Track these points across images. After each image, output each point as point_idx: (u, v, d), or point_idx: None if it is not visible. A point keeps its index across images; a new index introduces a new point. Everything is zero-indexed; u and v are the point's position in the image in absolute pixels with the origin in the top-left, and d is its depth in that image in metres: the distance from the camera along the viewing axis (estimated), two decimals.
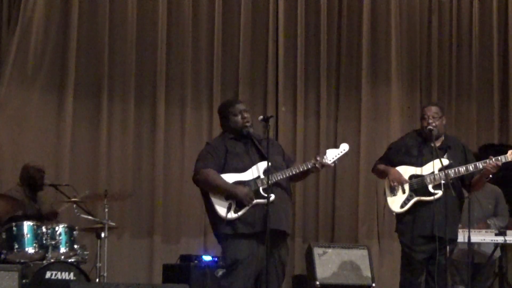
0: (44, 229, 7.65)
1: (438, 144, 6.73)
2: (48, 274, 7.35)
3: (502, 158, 6.65)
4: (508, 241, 8.13)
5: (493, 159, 6.62)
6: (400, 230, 6.81)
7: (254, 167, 6.03)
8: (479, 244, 8.26)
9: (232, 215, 5.90)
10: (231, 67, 10.09)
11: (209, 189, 5.95)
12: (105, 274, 8.01)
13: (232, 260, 5.91)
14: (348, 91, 10.39)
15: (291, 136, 10.15)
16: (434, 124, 6.74)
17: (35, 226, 7.63)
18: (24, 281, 7.24)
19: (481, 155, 9.22)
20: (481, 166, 6.64)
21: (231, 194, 5.91)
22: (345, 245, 8.91)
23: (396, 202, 6.70)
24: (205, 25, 10.01)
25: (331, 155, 6.15)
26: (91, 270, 7.96)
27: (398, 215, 6.79)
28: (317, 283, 8.29)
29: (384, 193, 6.82)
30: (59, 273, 7.38)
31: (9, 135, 9.25)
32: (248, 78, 10.09)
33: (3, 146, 9.21)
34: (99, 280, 7.93)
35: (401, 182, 6.65)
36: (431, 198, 6.61)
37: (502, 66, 10.79)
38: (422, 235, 6.66)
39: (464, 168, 6.65)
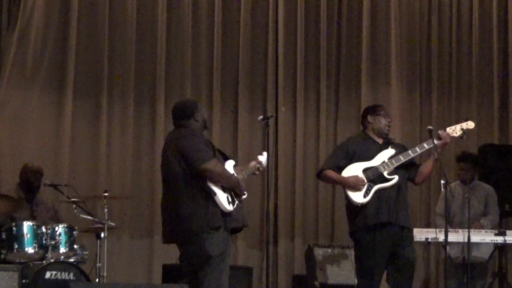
0: (44, 229, 7.64)
1: (380, 141, 6.96)
2: (48, 274, 7.34)
3: (449, 132, 6.88)
4: (507, 241, 8.13)
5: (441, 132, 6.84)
6: (360, 224, 6.88)
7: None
8: (474, 248, 8.23)
9: (230, 207, 5.89)
10: (231, 67, 10.09)
11: (220, 179, 5.91)
12: (105, 274, 8.00)
13: (218, 253, 5.83)
14: (348, 91, 10.39)
15: (291, 136, 10.15)
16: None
17: (35, 226, 7.62)
18: (24, 281, 7.24)
19: (482, 155, 9.27)
20: (427, 146, 6.80)
21: (238, 187, 5.95)
22: (345, 245, 8.91)
23: (358, 195, 6.79)
24: (205, 25, 10.01)
25: (263, 159, 6.24)
26: (91, 270, 7.95)
27: (360, 208, 6.84)
28: (317, 283, 8.29)
29: (344, 191, 6.88)
30: (59, 273, 7.37)
31: (8, 135, 9.25)
32: (248, 78, 10.09)
33: (2, 146, 9.21)
34: (99, 280, 7.92)
35: (363, 182, 6.79)
36: (390, 183, 6.77)
37: (502, 66, 10.78)
38: (381, 222, 6.78)
39: (403, 156, 6.83)
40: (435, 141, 6.78)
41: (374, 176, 6.79)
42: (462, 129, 6.91)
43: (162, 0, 9.83)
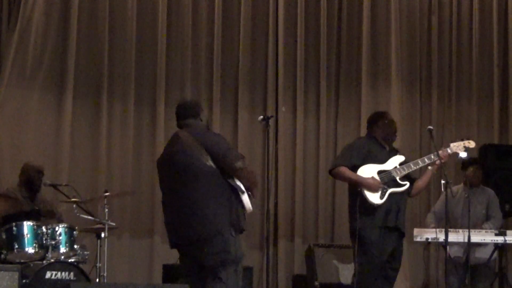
0: (44, 229, 7.63)
1: (387, 147, 7.17)
2: (48, 274, 7.32)
3: (448, 150, 7.14)
4: (508, 241, 8.13)
5: (439, 152, 7.04)
6: (370, 225, 6.93)
7: None
8: (474, 249, 8.22)
9: (251, 207, 5.81)
10: (231, 67, 10.09)
11: (250, 178, 5.82)
12: (105, 274, 7.98)
13: (240, 257, 5.84)
14: (348, 91, 10.40)
15: (291, 136, 10.15)
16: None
17: (35, 226, 7.61)
18: (24, 281, 7.22)
19: (481, 155, 9.27)
20: (434, 158, 7.02)
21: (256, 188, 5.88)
22: (345, 245, 8.91)
23: (375, 195, 6.93)
24: (205, 25, 10.02)
25: None
26: (91, 270, 7.94)
27: (373, 209, 6.93)
28: (317, 283, 8.30)
29: (360, 190, 6.94)
30: (59, 273, 7.36)
31: (8, 135, 9.25)
32: (248, 78, 10.09)
33: (2, 146, 9.21)
34: (99, 280, 7.91)
35: (380, 185, 6.95)
36: (402, 189, 6.98)
37: (502, 66, 10.78)
38: (388, 226, 6.94)
39: (413, 164, 7.07)
40: (436, 158, 7.02)
41: (388, 179, 6.95)
42: (464, 146, 7.10)
43: (162, 0, 9.84)
